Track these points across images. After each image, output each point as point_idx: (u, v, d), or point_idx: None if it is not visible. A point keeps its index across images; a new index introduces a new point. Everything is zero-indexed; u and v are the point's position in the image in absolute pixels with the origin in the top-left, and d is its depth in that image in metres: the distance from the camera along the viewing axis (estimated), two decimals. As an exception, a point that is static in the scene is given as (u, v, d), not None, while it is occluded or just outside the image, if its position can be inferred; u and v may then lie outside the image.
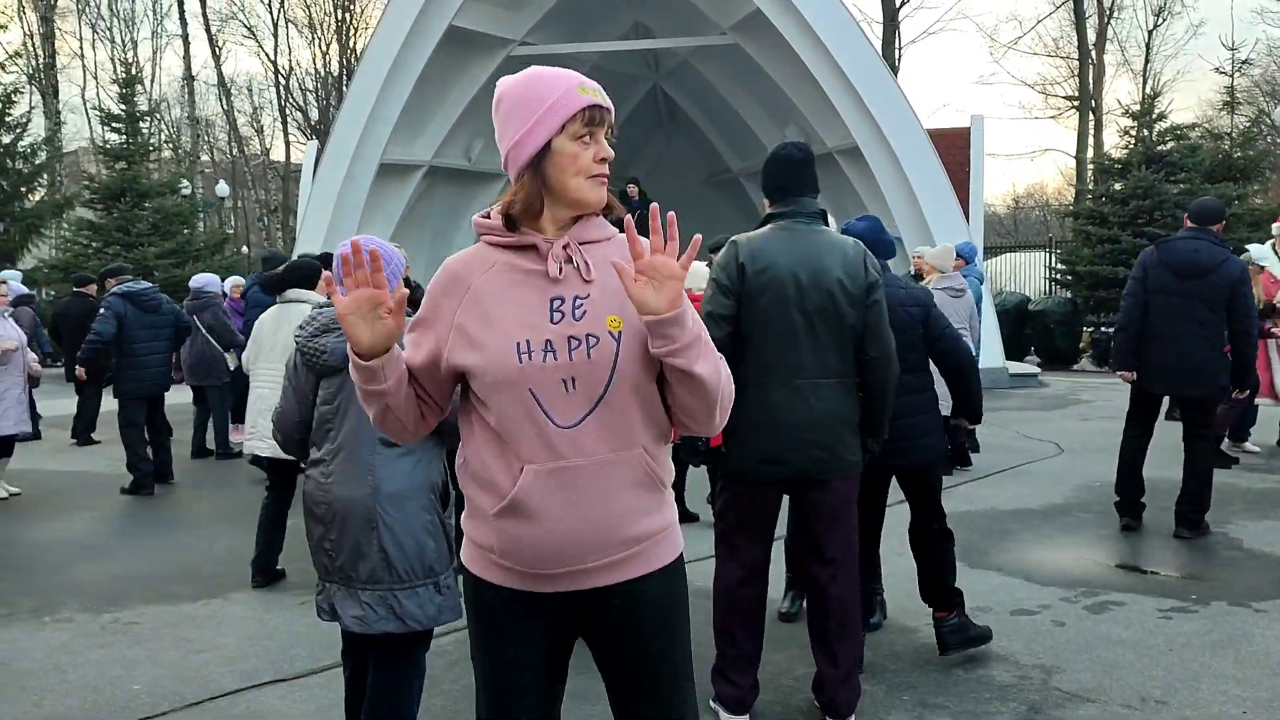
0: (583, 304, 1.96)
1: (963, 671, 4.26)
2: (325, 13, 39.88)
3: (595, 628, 2.10)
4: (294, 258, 6.51)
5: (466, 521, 2.10)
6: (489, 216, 2.07)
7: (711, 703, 3.88)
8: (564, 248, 1.99)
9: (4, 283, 8.15)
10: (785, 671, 4.27)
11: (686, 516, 6.65)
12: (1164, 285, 6.14)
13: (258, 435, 5.78)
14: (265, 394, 5.84)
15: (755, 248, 3.68)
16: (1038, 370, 16.46)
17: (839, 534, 3.83)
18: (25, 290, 12.72)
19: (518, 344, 1.93)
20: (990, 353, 13.91)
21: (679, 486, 6.79)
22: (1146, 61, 35.23)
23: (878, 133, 15.51)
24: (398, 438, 2.10)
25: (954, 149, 17.64)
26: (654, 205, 2.10)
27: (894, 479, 4.47)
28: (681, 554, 2.13)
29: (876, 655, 4.45)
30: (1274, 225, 9.27)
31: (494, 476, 1.98)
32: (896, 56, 31.42)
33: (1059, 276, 21.25)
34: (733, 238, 3.78)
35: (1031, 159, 64.62)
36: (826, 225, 3.82)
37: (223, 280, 11.27)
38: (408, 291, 2.07)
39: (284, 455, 5.63)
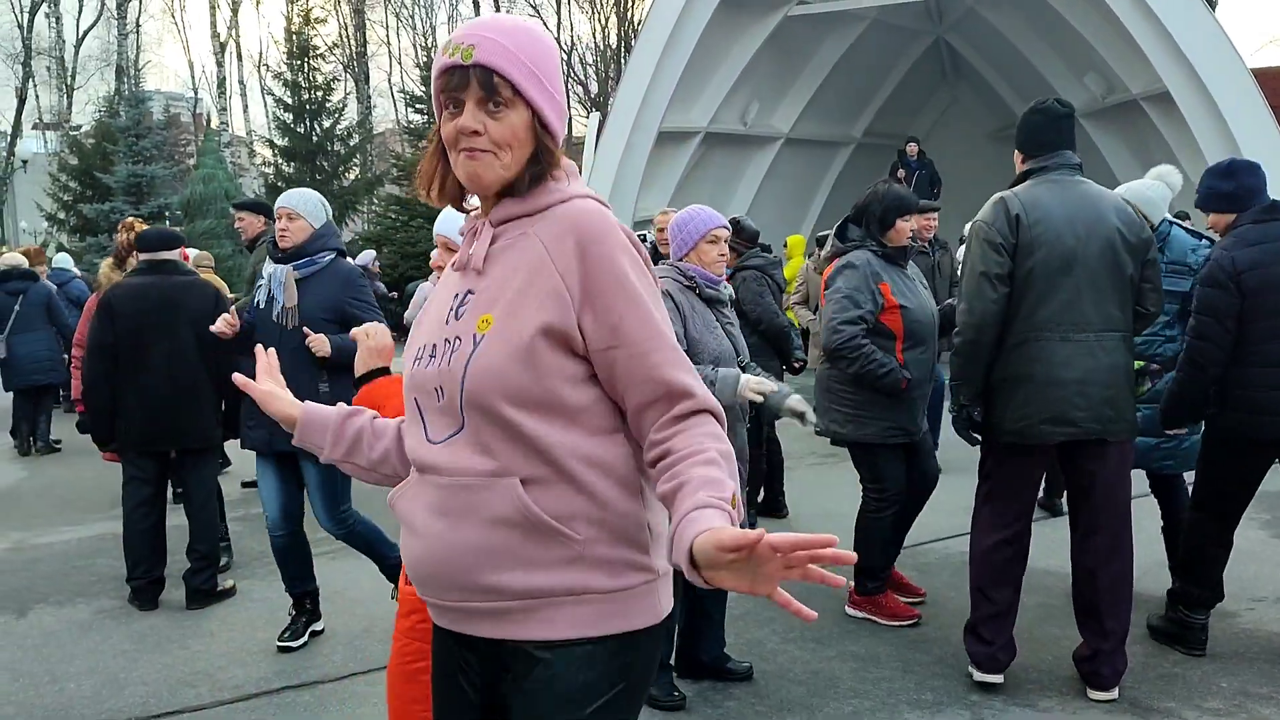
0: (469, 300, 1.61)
1: (1292, 662, 3.88)
2: (605, -14, 41.11)
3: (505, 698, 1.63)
4: None
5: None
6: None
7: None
8: (474, 232, 1.66)
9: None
10: (1045, 640, 4.04)
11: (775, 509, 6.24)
12: None
13: None
14: None
15: (1027, 201, 3.55)
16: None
17: (1116, 503, 3.62)
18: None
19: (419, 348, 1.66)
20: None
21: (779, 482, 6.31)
22: None
23: (1192, 75, 14.12)
24: None
25: (1283, 90, 15.82)
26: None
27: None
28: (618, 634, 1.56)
29: (1189, 638, 4.12)
30: None
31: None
32: (1213, -10, 28.51)
33: None
34: (998, 194, 3.65)
35: (1378, 97, 56.62)
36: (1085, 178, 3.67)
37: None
38: None
39: None
